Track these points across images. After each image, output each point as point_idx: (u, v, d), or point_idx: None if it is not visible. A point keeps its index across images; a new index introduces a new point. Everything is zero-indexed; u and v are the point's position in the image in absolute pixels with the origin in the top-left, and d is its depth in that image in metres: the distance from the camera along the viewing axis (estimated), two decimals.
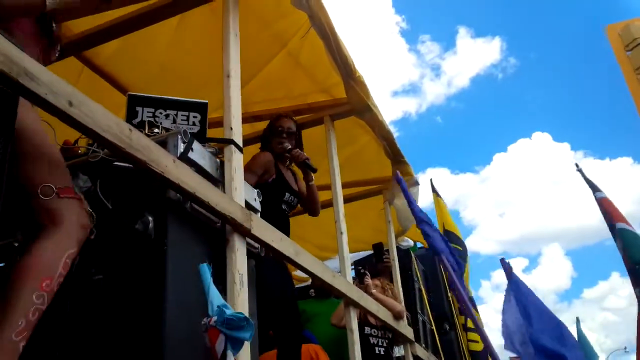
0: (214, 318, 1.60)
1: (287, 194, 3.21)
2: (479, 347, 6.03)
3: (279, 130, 3.30)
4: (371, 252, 4.85)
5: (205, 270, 1.70)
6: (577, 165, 4.64)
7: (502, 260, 4.39)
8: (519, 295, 4.13)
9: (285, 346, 2.94)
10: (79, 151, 2.13)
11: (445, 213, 7.18)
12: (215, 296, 1.65)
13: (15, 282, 1.35)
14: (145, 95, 2.30)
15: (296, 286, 5.05)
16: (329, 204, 3.73)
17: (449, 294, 6.01)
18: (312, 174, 3.31)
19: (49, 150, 1.58)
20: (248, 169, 2.89)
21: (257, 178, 3.03)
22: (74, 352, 1.68)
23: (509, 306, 4.08)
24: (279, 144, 3.25)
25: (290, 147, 3.26)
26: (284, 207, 3.20)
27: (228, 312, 1.61)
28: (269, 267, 2.72)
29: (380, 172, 4.60)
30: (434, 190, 7.43)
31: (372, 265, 4.42)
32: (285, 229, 3.06)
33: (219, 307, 1.62)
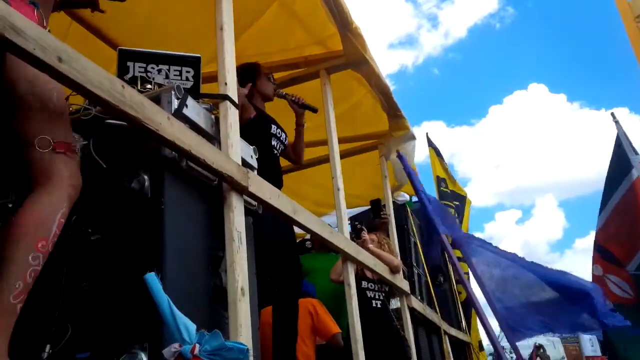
0: (197, 347, 1.37)
1: (273, 127, 3.14)
2: (462, 297, 6.25)
3: (269, 76, 3.24)
4: (368, 207, 4.86)
5: (155, 281, 1.46)
6: (613, 115, 4.53)
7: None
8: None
9: (281, 299, 2.94)
10: (71, 109, 2.08)
11: (437, 163, 7.25)
12: (183, 318, 1.43)
13: (10, 244, 1.33)
14: (137, 49, 2.22)
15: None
16: (324, 159, 3.71)
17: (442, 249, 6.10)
18: (303, 118, 3.28)
19: (51, 101, 1.52)
20: None
21: None
22: (73, 312, 1.68)
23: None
24: (274, 89, 3.22)
25: (284, 91, 3.22)
26: (273, 142, 3.12)
27: (228, 343, 1.40)
28: (261, 218, 2.70)
29: (377, 127, 4.56)
30: (430, 144, 7.44)
31: (369, 221, 4.44)
32: (277, 170, 3.03)
33: (201, 332, 1.42)
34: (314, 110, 3.29)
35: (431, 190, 7.20)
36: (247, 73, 3.18)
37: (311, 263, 4.12)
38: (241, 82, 3.12)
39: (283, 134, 3.23)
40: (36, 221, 1.38)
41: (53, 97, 1.53)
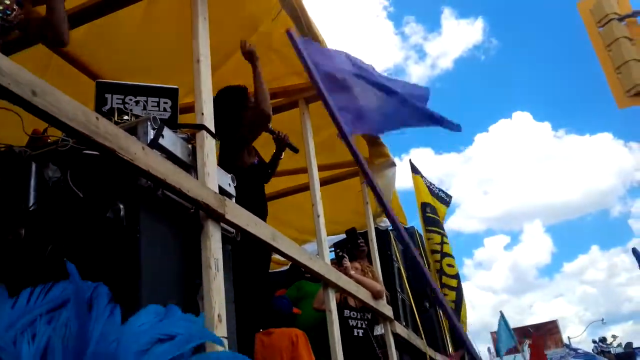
0: None
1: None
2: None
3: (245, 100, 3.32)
4: None
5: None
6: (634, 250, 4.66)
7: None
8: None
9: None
10: (49, 140, 2.11)
11: (423, 189, 7.26)
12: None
13: None
14: (114, 82, 2.28)
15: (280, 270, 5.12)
16: (307, 187, 3.74)
17: (428, 272, 6.11)
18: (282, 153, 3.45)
19: None
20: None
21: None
22: None
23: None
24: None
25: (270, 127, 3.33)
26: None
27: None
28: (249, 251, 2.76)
29: None
30: (413, 170, 7.50)
31: (350, 249, 4.46)
32: (264, 211, 3.10)
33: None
34: (295, 151, 3.46)
35: (416, 220, 7.23)
36: (236, 99, 3.23)
37: (306, 288, 4.12)
38: (229, 106, 3.16)
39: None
40: None
41: None
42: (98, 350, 1.27)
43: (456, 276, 6.62)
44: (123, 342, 1.32)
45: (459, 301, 6.45)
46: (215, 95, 2.81)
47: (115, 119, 2.05)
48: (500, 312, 11.24)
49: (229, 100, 3.18)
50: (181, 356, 1.36)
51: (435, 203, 7.40)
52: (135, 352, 1.32)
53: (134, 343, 1.34)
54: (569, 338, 25.73)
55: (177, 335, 1.42)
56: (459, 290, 6.58)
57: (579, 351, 20.90)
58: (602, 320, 27.42)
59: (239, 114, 3.18)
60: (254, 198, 2.90)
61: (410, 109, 3.08)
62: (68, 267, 1.39)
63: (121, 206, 1.79)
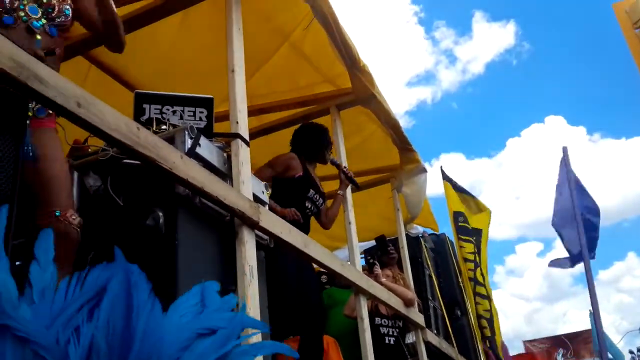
0: None
1: (312, 191, 3.29)
2: (487, 332, 6.11)
3: (330, 143, 3.43)
4: None
5: None
6: None
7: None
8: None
9: (307, 336, 2.99)
10: (89, 150, 2.18)
11: (454, 198, 7.17)
12: None
13: None
14: (152, 92, 2.34)
15: None
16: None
17: (460, 280, 6.03)
18: (345, 188, 3.48)
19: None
20: (269, 163, 3.18)
21: (273, 173, 3.17)
22: None
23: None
24: (330, 155, 3.43)
25: (340, 162, 3.44)
26: (307, 204, 3.26)
27: None
28: (284, 258, 2.79)
29: (388, 161, 4.61)
30: (444, 177, 7.41)
31: (380, 256, 4.45)
32: (305, 228, 3.12)
33: None
34: (357, 187, 3.56)
35: (448, 226, 7.14)
36: (313, 144, 3.35)
37: (336, 295, 4.12)
38: (309, 149, 3.33)
39: (320, 199, 3.38)
40: None
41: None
42: (143, 349, 1.28)
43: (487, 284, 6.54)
44: (167, 339, 1.33)
45: (492, 308, 6.35)
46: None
47: (154, 128, 2.10)
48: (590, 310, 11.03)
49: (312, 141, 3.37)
50: (225, 356, 1.36)
51: (467, 209, 7.28)
52: (178, 350, 1.33)
53: (176, 339, 1.34)
54: None
55: (218, 330, 1.41)
56: (490, 298, 6.49)
57: None
58: (639, 329, 26.58)
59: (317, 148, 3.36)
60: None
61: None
62: (115, 252, 1.41)
63: (160, 214, 1.84)
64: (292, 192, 3.15)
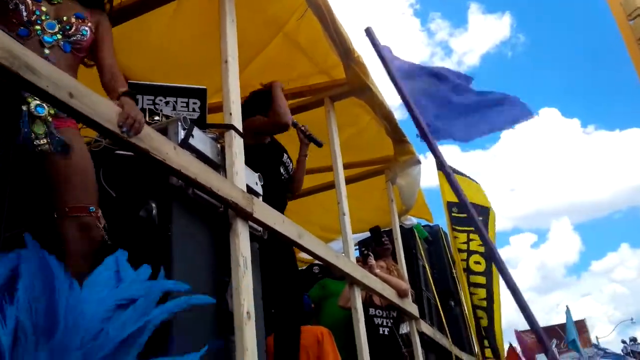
0: None
1: (285, 155, 3.22)
2: (483, 322, 6.07)
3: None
4: None
5: None
6: None
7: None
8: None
9: (282, 330, 2.93)
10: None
11: (448, 190, 7.12)
12: None
13: None
14: (145, 83, 2.33)
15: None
16: (331, 185, 3.76)
17: (454, 271, 6.06)
18: (307, 149, 3.32)
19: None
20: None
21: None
22: None
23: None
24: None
25: (295, 121, 3.27)
26: (282, 170, 3.17)
27: None
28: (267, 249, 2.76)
29: (382, 152, 4.62)
30: (440, 167, 7.33)
31: (375, 247, 4.46)
32: (282, 196, 3.08)
33: None
34: (319, 145, 3.35)
35: (442, 217, 7.12)
36: (263, 99, 3.18)
37: (330, 286, 4.12)
38: (256, 107, 3.14)
39: (291, 164, 3.29)
40: None
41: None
42: (67, 325, 1.30)
43: (484, 272, 6.49)
44: (88, 313, 1.36)
45: (489, 297, 6.33)
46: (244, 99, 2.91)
47: (147, 119, 2.09)
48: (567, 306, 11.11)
49: (257, 103, 3.17)
50: (148, 322, 1.39)
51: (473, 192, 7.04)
52: (100, 321, 1.36)
53: (97, 312, 1.38)
54: (597, 338, 25.24)
55: (138, 299, 1.45)
56: (488, 286, 6.46)
57: (607, 351, 20.47)
58: (632, 319, 26.77)
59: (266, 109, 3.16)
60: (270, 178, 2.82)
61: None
62: (26, 238, 1.43)
63: (153, 205, 1.83)
64: (266, 159, 2.99)
